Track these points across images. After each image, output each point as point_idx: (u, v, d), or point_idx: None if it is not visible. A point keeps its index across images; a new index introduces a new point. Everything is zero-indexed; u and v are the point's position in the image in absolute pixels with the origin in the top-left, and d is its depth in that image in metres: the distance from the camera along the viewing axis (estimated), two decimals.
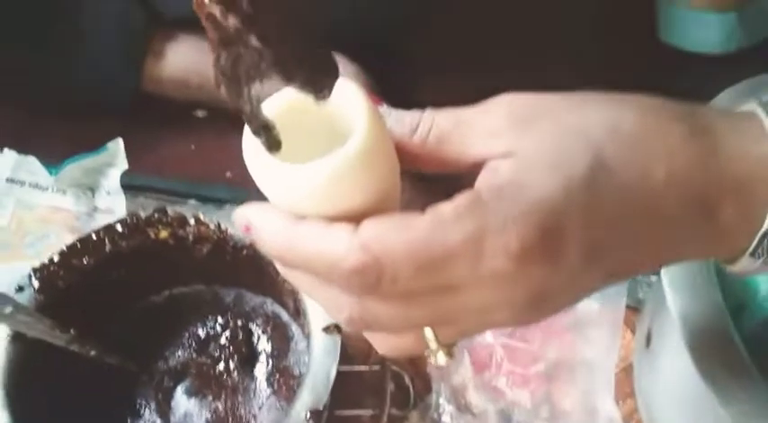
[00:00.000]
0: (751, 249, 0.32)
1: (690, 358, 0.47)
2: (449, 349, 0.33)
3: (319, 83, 0.29)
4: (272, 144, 0.30)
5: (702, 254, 0.33)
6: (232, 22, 0.26)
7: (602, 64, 0.84)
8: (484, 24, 0.88)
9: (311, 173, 0.29)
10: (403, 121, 0.32)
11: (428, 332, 0.32)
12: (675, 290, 0.49)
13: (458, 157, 0.31)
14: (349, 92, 0.30)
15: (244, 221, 0.31)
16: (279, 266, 0.33)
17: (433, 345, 0.32)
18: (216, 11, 0.26)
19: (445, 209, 0.29)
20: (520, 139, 0.30)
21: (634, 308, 0.69)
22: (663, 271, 0.49)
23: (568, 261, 0.29)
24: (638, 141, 0.30)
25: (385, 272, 0.28)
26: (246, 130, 0.30)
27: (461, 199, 0.29)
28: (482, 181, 0.30)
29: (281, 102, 0.31)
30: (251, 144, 0.30)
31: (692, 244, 0.32)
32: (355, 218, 0.30)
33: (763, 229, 0.31)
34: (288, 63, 0.28)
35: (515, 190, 0.29)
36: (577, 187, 0.29)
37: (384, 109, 0.32)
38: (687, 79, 0.78)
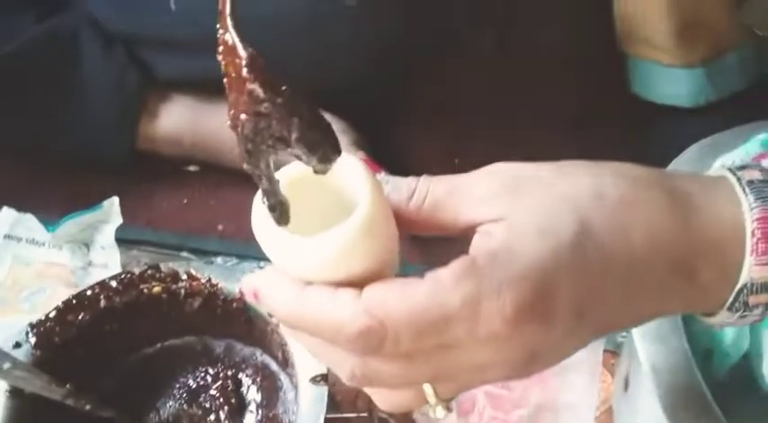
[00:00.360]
0: (728, 304, 0.34)
1: (660, 407, 0.49)
2: (447, 403, 0.35)
3: (330, 157, 0.31)
4: (283, 219, 0.32)
5: (683, 310, 0.36)
6: (272, 99, 0.29)
7: (577, 116, 0.88)
8: (466, 82, 0.92)
9: (318, 245, 0.31)
10: (400, 189, 0.34)
11: (427, 388, 0.34)
12: (644, 338, 0.51)
13: (452, 223, 0.33)
14: (351, 165, 0.32)
15: (251, 289, 0.33)
16: (284, 327, 0.35)
17: (432, 399, 0.34)
18: (258, 89, 0.28)
19: (443, 274, 0.30)
20: (511, 205, 0.32)
21: (613, 352, 0.71)
22: None
23: (559, 322, 0.31)
24: (620, 209, 0.32)
25: (388, 335, 0.30)
26: (256, 201, 0.32)
27: (458, 264, 0.30)
28: (476, 246, 0.32)
29: (286, 173, 0.33)
30: (260, 215, 0.32)
31: (672, 302, 0.34)
32: (358, 282, 0.32)
33: (738, 286, 0.33)
34: (315, 139, 0.30)
35: (508, 255, 0.30)
36: (566, 252, 0.31)
37: (382, 176, 0.34)
38: (659, 131, 0.81)
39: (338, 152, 0.31)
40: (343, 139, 0.81)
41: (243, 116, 0.29)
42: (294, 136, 0.29)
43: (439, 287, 0.30)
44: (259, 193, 0.33)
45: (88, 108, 0.82)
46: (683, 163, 0.58)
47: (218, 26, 0.29)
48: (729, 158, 0.58)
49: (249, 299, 0.33)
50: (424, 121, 0.90)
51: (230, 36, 0.29)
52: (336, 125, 0.81)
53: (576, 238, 0.31)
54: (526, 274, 0.30)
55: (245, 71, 0.28)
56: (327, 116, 0.87)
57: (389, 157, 0.84)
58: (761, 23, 0.74)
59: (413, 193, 0.34)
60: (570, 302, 0.31)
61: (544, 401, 0.65)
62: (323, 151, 0.30)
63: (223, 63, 0.29)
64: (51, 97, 0.83)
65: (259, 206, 0.32)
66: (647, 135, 0.82)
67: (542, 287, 0.30)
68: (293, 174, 0.33)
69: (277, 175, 0.32)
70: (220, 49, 0.29)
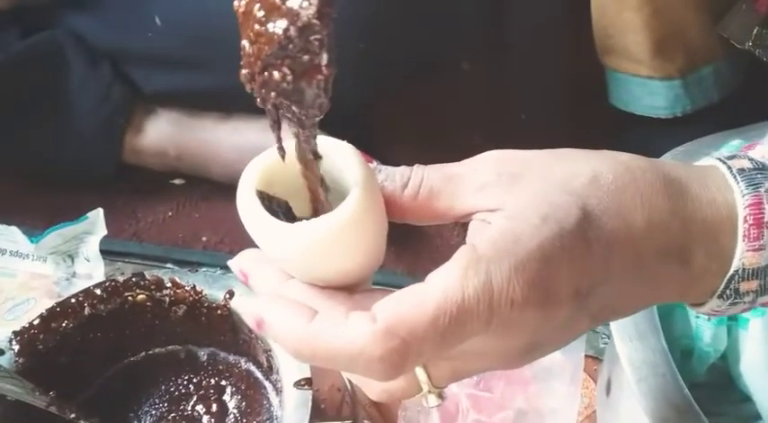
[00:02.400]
0: (719, 292, 0.34)
1: (640, 405, 0.49)
2: (440, 391, 0.34)
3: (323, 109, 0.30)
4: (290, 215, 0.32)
5: (676, 297, 0.35)
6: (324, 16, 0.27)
7: (558, 126, 0.89)
8: (450, 96, 0.93)
9: (308, 231, 0.30)
10: (393, 178, 0.33)
11: (421, 375, 0.33)
12: (623, 337, 0.52)
13: (447, 211, 0.33)
14: (344, 151, 0.32)
15: (255, 317, 0.31)
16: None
17: (425, 387, 0.33)
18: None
19: (450, 272, 0.29)
20: (509, 193, 0.32)
21: (595, 357, 0.72)
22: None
23: (562, 308, 0.31)
24: (616, 192, 0.32)
25: (411, 351, 0.29)
26: (242, 186, 0.32)
27: (460, 258, 0.30)
28: (475, 235, 0.32)
29: (275, 157, 0.32)
30: (248, 199, 0.31)
31: (667, 287, 0.34)
32: (345, 275, 0.32)
33: (730, 272, 0.33)
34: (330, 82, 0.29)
35: (513, 241, 0.30)
36: (569, 238, 0.30)
37: (374, 166, 0.34)
38: (637, 141, 0.82)
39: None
40: None
41: (282, 24, 0.26)
42: (324, 63, 0.27)
43: (449, 287, 0.29)
44: (248, 168, 0.32)
45: (74, 122, 0.83)
46: None
47: None
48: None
49: (252, 327, 0.31)
50: (405, 135, 0.91)
51: None
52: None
53: (578, 225, 0.31)
54: (531, 257, 0.30)
55: None
56: None
57: None
58: (740, 36, 0.76)
59: (407, 182, 0.33)
60: (572, 287, 0.31)
61: (526, 406, 0.65)
62: (323, 101, 0.29)
63: None
64: (37, 112, 0.83)
65: (247, 189, 0.32)
66: (625, 145, 0.83)
67: (547, 272, 0.30)
68: (281, 158, 0.32)
69: (268, 157, 0.32)
70: None
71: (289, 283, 0.33)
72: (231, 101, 0.81)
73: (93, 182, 0.85)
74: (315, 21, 0.26)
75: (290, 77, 0.27)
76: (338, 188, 0.32)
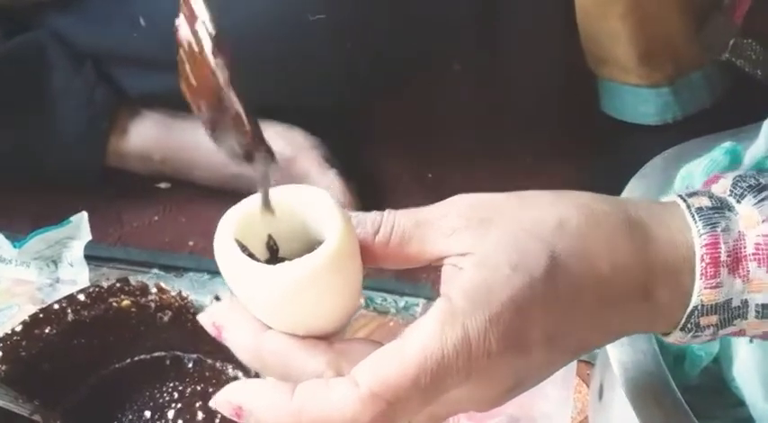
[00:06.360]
0: (681, 325, 0.36)
1: (631, 408, 0.49)
2: None
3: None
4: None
5: (643, 329, 0.38)
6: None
7: (549, 132, 0.89)
8: (438, 98, 0.93)
9: (286, 274, 0.31)
10: (365, 224, 0.34)
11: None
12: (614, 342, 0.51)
13: (418, 256, 0.34)
14: (322, 199, 0.33)
15: (232, 406, 0.31)
16: None
17: None
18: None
19: (427, 330, 0.30)
20: (478, 238, 0.33)
21: (588, 362, 0.72)
22: None
23: (535, 352, 0.32)
24: (581, 237, 0.33)
25: (397, 413, 0.30)
26: (219, 234, 0.32)
27: (436, 313, 0.31)
28: (448, 281, 0.33)
29: (251, 205, 0.33)
30: (225, 242, 0.32)
31: (634, 322, 0.36)
32: (326, 316, 0.32)
33: (689, 308, 0.35)
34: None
35: (485, 291, 0.31)
36: (539, 286, 0.32)
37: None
38: (629, 147, 0.82)
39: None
40: (315, 154, 0.81)
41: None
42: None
43: (429, 343, 0.30)
44: (226, 217, 0.33)
45: (57, 125, 0.82)
46: (647, 172, 0.60)
47: None
48: (694, 166, 0.60)
49: (230, 416, 0.32)
50: (395, 137, 0.91)
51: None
52: (308, 141, 0.82)
53: (547, 272, 0.32)
54: (505, 308, 0.31)
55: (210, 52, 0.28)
56: (299, 132, 0.88)
57: (361, 173, 0.84)
58: (717, 48, 0.76)
59: (378, 228, 0.34)
60: (544, 334, 0.32)
61: (519, 412, 0.65)
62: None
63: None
64: (20, 114, 0.82)
65: (226, 236, 0.32)
66: (616, 152, 0.83)
67: (520, 322, 0.31)
68: (257, 206, 0.33)
69: (245, 207, 0.33)
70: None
71: (266, 334, 0.33)
72: None
73: (76, 185, 0.84)
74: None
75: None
76: (316, 235, 0.33)
